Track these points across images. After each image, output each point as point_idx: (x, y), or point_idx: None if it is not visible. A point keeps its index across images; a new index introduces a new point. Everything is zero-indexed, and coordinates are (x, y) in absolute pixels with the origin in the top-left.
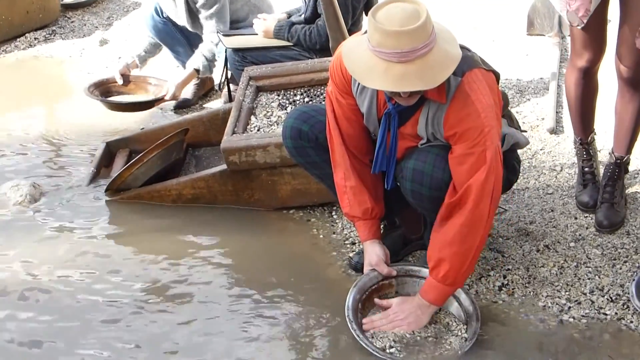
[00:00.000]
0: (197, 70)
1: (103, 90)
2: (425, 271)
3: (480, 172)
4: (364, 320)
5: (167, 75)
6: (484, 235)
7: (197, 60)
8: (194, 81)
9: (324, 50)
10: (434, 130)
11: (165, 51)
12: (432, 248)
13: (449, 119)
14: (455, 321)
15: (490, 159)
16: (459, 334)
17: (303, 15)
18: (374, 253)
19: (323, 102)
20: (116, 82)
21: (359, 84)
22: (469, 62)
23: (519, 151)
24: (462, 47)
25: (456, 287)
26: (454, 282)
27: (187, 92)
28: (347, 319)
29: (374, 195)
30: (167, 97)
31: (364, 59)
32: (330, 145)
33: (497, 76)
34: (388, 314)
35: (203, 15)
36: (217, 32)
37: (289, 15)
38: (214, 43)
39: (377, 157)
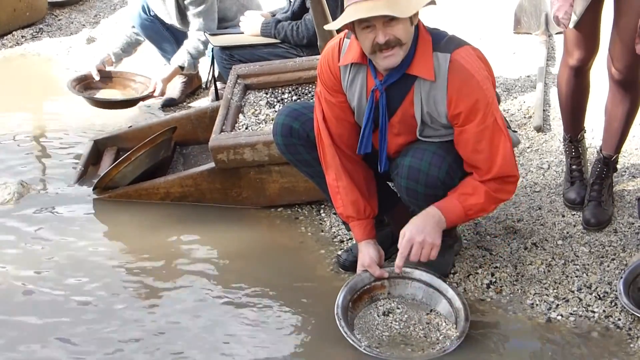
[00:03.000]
0: (182, 67)
1: (85, 85)
2: (417, 273)
3: (503, 143)
4: (397, 264)
5: (153, 72)
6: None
7: (181, 56)
8: (182, 79)
9: (312, 45)
10: (429, 109)
11: (152, 48)
12: (468, 183)
13: (451, 97)
14: (445, 321)
15: (502, 125)
16: (448, 333)
17: (288, 12)
18: (367, 254)
19: (312, 100)
20: (86, 80)
21: (348, 77)
22: (456, 41)
23: None
24: (448, 34)
25: (469, 219)
26: (471, 214)
27: (175, 91)
28: (335, 317)
29: (366, 194)
30: (156, 94)
31: (343, 16)
32: (321, 147)
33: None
34: (406, 246)
35: (191, 12)
36: (204, 31)
37: (273, 15)
38: (200, 40)
39: (363, 138)
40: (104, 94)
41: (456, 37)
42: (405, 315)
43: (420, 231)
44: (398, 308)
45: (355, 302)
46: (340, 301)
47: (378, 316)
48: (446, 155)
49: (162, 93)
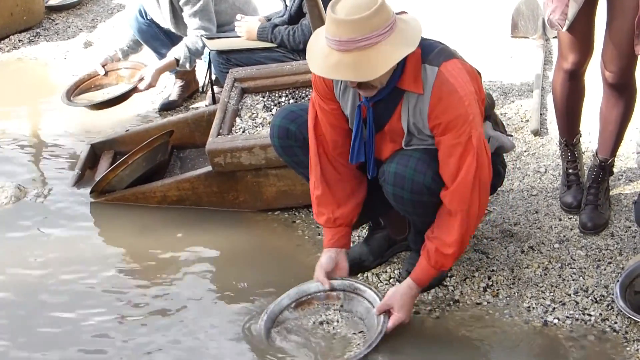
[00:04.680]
0: (177, 61)
1: (80, 91)
2: (370, 293)
3: (468, 164)
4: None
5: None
6: (477, 224)
7: (179, 50)
8: (179, 83)
9: None
10: (415, 120)
11: (148, 50)
12: (438, 241)
13: (433, 109)
14: (362, 344)
15: (476, 146)
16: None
17: (285, 16)
18: (321, 263)
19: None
20: (88, 79)
21: (340, 86)
22: (445, 53)
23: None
24: (441, 44)
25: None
26: (447, 267)
27: (172, 94)
28: (266, 310)
29: (343, 204)
30: (141, 87)
31: (319, 45)
32: (310, 152)
33: (478, 73)
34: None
35: (186, 12)
36: (202, 31)
37: (269, 19)
38: (199, 37)
39: (354, 148)
40: (99, 94)
41: (447, 49)
42: (337, 330)
43: (409, 316)
44: (337, 322)
45: (303, 305)
46: (281, 299)
47: (313, 323)
48: (431, 162)
49: (151, 86)
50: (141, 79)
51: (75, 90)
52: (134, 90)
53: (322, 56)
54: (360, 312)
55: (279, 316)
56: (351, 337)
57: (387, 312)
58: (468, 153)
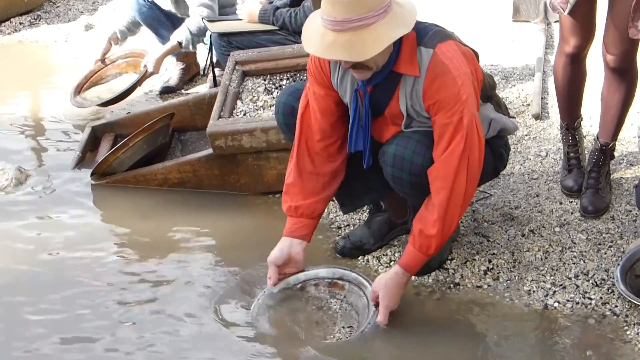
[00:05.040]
0: (180, 44)
1: (91, 84)
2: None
3: (458, 138)
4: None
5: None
6: (463, 207)
7: (181, 33)
8: (180, 66)
9: None
10: (412, 102)
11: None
12: (421, 222)
13: (427, 89)
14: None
15: (466, 126)
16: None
17: None
18: (275, 250)
19: None
20: (95, 72)
21: (338, 73)
22: (440, 35)
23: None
24: (437, 26)
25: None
26: (436, 251)
27: (173, 77)
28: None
29: (310, 197)
30: (148, 70)
31: (315, 25)
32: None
33: (475, 54)
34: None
35: None
36: (204, 10)
37: (270, 1)
38: (202, 16)
39: (352, 135)
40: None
41: (442, 31)
42: (329, 318)
43: (396, 302)
44: (337, 312)
45: (308, 288)
46: (289, 279)
47: (311, 305)
48: (430, 144)
49: (155, 72)
50: (146, 70)
51: (85, 84)
52: (139, 82)
53: (317, 36)
54: (357, 307)
55: (279, 294)
56: (339, 328)
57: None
58: (458, 133)
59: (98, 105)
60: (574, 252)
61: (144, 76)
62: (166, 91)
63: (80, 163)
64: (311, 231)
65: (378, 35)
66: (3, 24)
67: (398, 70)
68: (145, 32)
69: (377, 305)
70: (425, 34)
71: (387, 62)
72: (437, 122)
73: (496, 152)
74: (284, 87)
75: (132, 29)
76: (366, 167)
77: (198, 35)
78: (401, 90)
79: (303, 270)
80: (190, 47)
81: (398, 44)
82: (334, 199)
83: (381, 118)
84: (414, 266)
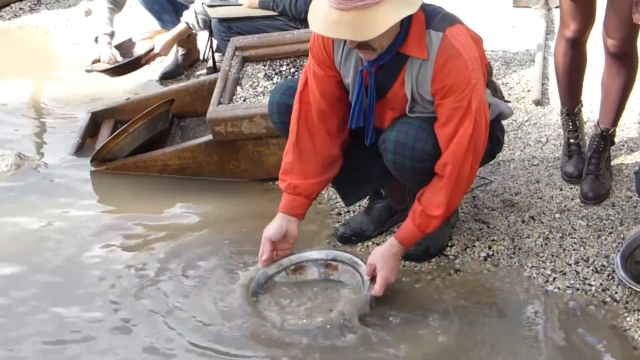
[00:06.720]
0: (188, 25)
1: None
2: (364, 269)
3: (468, 123)
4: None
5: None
6: (465, 190)
7: (190, 15)
8: (180, 52)
9: None
10: (418, 85)
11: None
12: (425, 201)
13: (437, 73)
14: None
15: (475, 110)
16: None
17: None
18: (271, 227)
19: None
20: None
21: (342, 54)
22: (449, 19)
23: (504, 122)
24: (443, 10)
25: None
26: (430, 230)
27: (173, 63)
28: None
29: (310, 177)
30: (156, 51)
31: (321, 4)
32: (291, 118)
33: (480, 39)
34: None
35: None
36: (203, 3)
37: None
38: (202, 1)
39: (353, 114)
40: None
41: (450, 15)
42: (327, 303)
43: (393, 273)
44: (327, 289)
45: (301, 270)
46: (281, 261)
47: (305, 286)
48: (431, 130)
49: (161, 54)
50: (153, 48)
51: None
52: (144, 59)
53: (322, 15)
54: (350, 284)
55: (273, 277)
56: (335, 310)
57: (374, 279)
58: (467, 117)
59: (102, 71)
60: (574, 238)
61: (149, 55)
62: (166, 77)
63: (79, 149)
64: (306, 211)
65: (383, 14)
66: (3, 10)
67: (405, 52)
68: (144, 17)
69: (372, 280)
70: (433, 17)
71: (394, 44)
72: (446, 105)
73: (493, 135)
74: (283, 72)
75: (114, 9)
76: (369, 144)
77: (204, 14)
78: (407, 73)
79: (295, 253)
80: (200, 25)
81: (407, 25)
82: (335, 190)
83: (380, 102)
84: (409, 240)
